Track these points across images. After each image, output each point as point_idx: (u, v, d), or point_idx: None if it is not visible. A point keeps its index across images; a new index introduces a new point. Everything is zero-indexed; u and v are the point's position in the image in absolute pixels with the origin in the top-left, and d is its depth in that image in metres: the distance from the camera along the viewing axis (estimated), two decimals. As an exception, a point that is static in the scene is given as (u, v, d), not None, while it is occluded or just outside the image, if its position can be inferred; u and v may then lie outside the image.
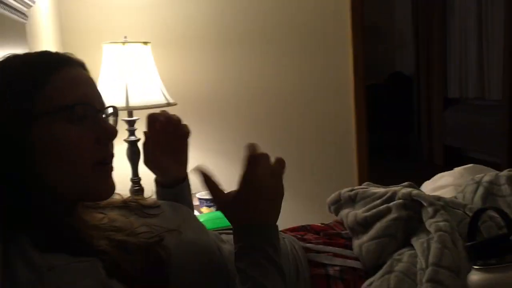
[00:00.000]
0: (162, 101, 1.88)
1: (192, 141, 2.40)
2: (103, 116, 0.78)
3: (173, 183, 1.03)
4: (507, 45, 3.97)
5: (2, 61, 0.74)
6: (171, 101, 1.91)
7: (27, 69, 0.72)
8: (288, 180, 2.66)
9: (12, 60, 0.74)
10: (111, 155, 0.77)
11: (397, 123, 5.73)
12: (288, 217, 2.21)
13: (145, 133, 1.00)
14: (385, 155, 5.37)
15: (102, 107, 0.78)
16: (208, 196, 1.96)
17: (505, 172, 1.13)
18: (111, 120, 0.81)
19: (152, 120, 0.98)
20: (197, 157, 2.24)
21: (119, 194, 0.96)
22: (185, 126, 0.99)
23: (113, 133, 0.75)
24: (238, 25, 2.27)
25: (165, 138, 0.98)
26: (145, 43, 1.90)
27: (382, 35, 5.99)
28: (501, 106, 4.16)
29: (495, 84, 4.55)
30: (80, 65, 0.79)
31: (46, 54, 0.77)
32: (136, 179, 1.95)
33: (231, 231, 0.99)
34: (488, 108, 4.70)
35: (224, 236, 0.98)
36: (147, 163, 1.02)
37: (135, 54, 1.85)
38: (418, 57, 5.27)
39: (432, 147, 5.16)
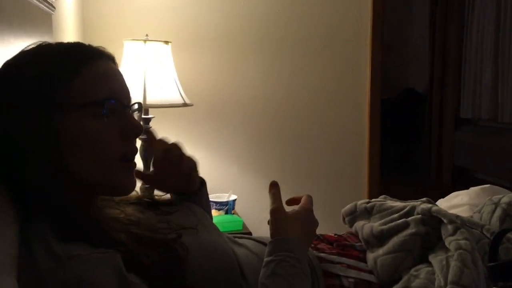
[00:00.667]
0: (179, 101, 1.88)
1: (205, 142, 2.38)
2: (130, 111, 0.78)
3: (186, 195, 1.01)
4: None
5: (35, 47, 0.74)
6: (188, 101, 1.91)
7: (60, 57, 0.72)
8: (301, 188, 2.67)
9: (45, 47, 0.74)
10: (135, 151, 0.78)
11: (408, 139, 5.70)
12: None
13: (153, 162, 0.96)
14: (394, 169, 5.35)
15: (129, 102, 0.78)
16: (217, 199, 1.95)
17: (524, 195, 1.12)
18: (135, 116, 0.81)
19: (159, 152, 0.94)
20: (209, 159, 2.26)
21: (135, 190, 0.96)
22: (189, 161, 0.95)
23: (139, 129, 0.75)
24: (259, 31, 2.28)
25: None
26: (166, 42, 1.90)
27: (397, 50, 5.98)
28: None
29: (508, 107, 4.52)
30: (111, 59, 0.79)
31: (79, 46, 0.77)
32: (147, 177, 1.95)
33: (245, 236, 1.00)
34: (500, 130, 4.67)
35: (238, 240, 0.98)
36: (154, 185, 0.99)
37: (155, 52, 1.86)
38: (432, 74, 5.25)
39: (440, 165, 5.12)
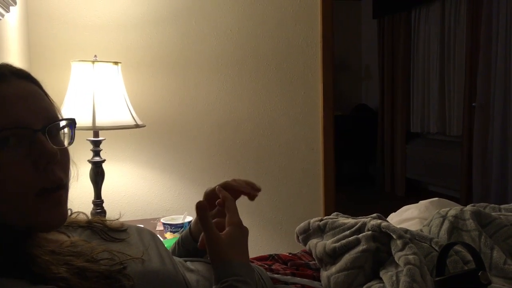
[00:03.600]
0: (131, 122, 1.84)
1: (159, 163, 2.35)
2: (42, 136, 0.67)
3: None
4: (467, 83, 4.15)
5: None
6: (139, 122, 1.88)
7: None
8: (256, 208, 2.66)
9: None
10: (59, 179, 0.68)
11: (362, 154, 5.85)
12: (256, 245, 2.21)
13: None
14: (350, 184, 5.46)
15: (46, 122, 0.68)
16: (172, 222, 1.91)
17: (469, 207, 1.16)
18: (64, 135, 0.74)
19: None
20: (163, 180, 2.22)
21: (84, 214, 0.92)
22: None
23: (50, 155, 0.65)
24: (212, 51, 2.28)
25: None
26: (116, 63, 1.87)
27: (349, 69, 6.17)
28: (461, 142, 4.32)
29: (455, 121, 4.73)
30: (23, 77, 0.70)
31: None
32: (98, 201, 1.89)
33: (196, 259, 0.97)
34: (448, 143, 4.87)
35: (189, 264, 0.95)
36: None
37: (104, 73, 1.82)
38: (383, 91, 5.44)
39: (394, 178, 5.27)
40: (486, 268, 0.93)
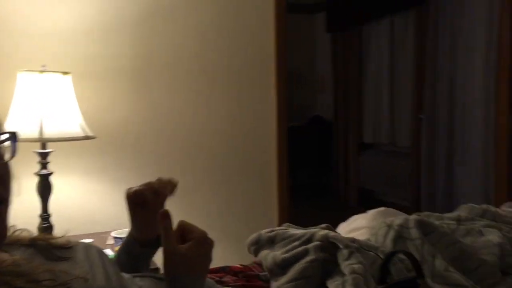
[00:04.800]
0: (80, 133, 1.80)
1: (109, 176, 2.31)
2: None
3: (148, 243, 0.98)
4: (415, 95, 4.33)
5: None
6: (89, 134, 1.84)
7: None
8: (209, 219, 2.65)
9: None
10: None
11: (316, 164, 5.95)
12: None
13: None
14: (304, 194, 5.53)
15: None
16: (122, 235, 1.87)
17: (413, 216, 1.20)
18: (5, 148, 0.71)
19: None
20: (114, 193, 2.17)
21: (28, 231, 0.89)
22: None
23: None
24: (163, 63, 2.26)
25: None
26: (65, 73, 1.82)
27: (305, 81, 6.29)
28: (410, 153, 4.49)
29: (404, 132, 4.91)
30: None
31: None
32: (45, 215, 1.82)
33: (147, 274, 0.96)
34: (398, 154, 5.05)
35: (138, 280, 0.94)
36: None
37: (53, 84, 1.77)
38: (336, 102, 5.57)
39: (347, 189, 5.39)
40: (427, 275, 0.97)
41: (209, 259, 0.84)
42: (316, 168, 5.99)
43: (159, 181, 0.92)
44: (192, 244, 0.81)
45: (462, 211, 1.24)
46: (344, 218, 1.63)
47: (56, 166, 1.98)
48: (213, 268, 1.19)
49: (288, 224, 1.24)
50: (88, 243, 0.93)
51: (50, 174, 1.80)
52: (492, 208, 1.31)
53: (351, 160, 5.33)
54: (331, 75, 5.72)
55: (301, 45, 6.10)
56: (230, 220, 2.39)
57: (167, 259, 0.79)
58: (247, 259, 1.42)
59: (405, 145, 4.87)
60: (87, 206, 2.17)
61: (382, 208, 1.51)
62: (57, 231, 0.95)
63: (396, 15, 4.85)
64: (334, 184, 5.66)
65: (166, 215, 0.81)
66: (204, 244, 0.82)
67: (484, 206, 1.36)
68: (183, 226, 0.83)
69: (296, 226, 1.22)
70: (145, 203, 0.91)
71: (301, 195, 5.23)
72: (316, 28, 6.32)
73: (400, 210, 1.55)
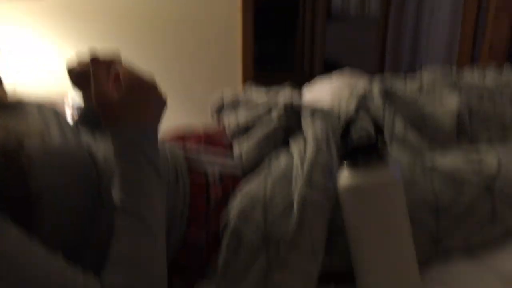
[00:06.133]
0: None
1: (60, 42, 2.15)
2: None
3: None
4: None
5: None
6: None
7: None
8: (172, 85, 2.58)
9: None
10: None
11: (282, 34, 5.80)
12: (171, 119, 2.19)
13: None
14: (269, 64, 5.48)
15: None
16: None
17: (377, 84, 1.19)
18: None
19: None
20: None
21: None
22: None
23: None
24: None
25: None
26: None
27: None
28: (378, 24, 4.42)
29: (374, 1, 4.78)
30: None
31: None
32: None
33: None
34: (366, 25, 4.96)
35: (99, 141, 0.90)
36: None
37: None
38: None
39: (313, 59, 5.37)
40: (387, 139, 0.99)
41: (153, 106, 0.74)
42: (281, 38, 5.86)
43: (100, 54, 0.76)
44: (125, 89, 0.70)
45: (425, 76, 1.22)
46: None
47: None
48: (175, 134, 1.17)
49: (251, 86, 1.20)
50: (41, 102, 0.88)
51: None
52: (455, 71, 1.30)
53: (318, 31, 5.22)
54: None
55: None
56: (195, 94, 2.35)
57: (101, 110, 0.71)
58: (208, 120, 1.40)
59: (374, 16, 4.77)
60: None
61: (346, 73, 1.48)
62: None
63: None
64: (300, 54, 5.60)
65: (95, 61, 0.72)
66: (142, 87, 0.72)
67: (447, 69, 1.33)
68: (118, 72, 0.71)
69: (259, 89, 1.18)
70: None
71: (266, 63, 5.17)
72: None
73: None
